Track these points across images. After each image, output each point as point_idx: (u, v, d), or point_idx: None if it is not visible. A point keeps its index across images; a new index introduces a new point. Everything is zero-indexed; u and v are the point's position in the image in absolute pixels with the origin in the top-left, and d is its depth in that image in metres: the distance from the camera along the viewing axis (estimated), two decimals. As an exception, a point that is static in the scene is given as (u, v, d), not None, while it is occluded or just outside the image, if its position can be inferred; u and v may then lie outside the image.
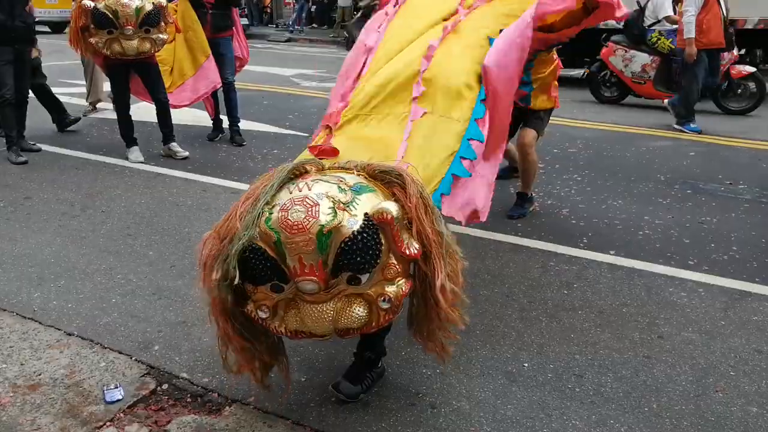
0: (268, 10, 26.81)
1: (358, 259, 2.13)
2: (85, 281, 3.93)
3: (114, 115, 8.71)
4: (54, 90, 7.69)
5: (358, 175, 2.34)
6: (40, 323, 3.44)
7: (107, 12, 5.70)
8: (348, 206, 2.15)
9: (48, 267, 4.10)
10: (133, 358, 3.15)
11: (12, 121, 6.45)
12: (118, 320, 3.50)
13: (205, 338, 3.30)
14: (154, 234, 4.65)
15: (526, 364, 3.15)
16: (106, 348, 3.23)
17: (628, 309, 3.69)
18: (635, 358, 3.22)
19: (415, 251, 2.21)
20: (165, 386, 2.94)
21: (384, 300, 2.23)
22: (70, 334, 3.34)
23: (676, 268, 4.22)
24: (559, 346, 3.31)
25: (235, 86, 7.33)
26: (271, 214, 2.16)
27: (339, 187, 2.20)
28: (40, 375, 2.98)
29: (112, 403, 2.79)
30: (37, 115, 7.37)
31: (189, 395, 2.88)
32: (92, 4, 5.70)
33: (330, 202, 2.13)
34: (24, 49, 6.36)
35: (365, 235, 2.13)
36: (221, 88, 7.10)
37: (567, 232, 4.80)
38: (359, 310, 2.24)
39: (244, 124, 7.54)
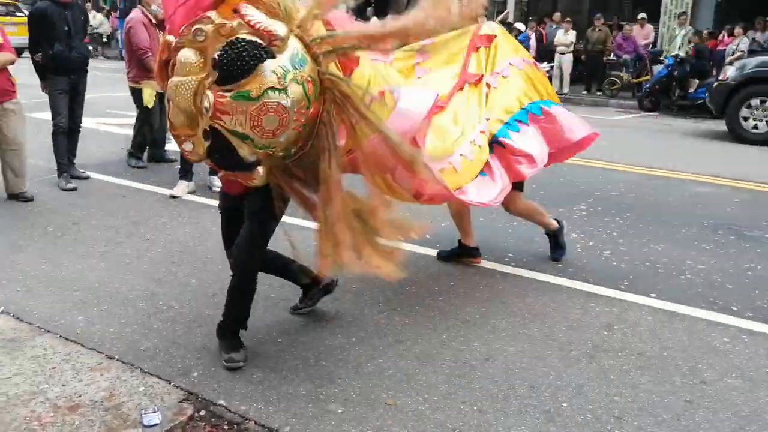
0: None
1: None
2: (128, 306, 4.00)
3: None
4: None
5: None
6: (82, 346, 3.50)
7: None
8: None
9: (92, 291, 4.18)
10: (172, 384, 3.18)
11: (64, 149, 6.63)
12: (159, 346, 3.55)
13: (243, 366, 3.33)
14: (196, 262, 4.71)
15: (564, 404, 3.11)
16: (145, 372, 3.27)
17: (669, 353, 3.63)
18: (676, 402, 3.16)
19: None
20: (202, 412, 2.96)
21: None
22: (111, 358, 3.39)
23: (719, 314, 4.14)
24: (598, 387, 3.27)
25: None
26: None
27: None
28: (80, 396, 3.03)
29: (150, 427, 2.81)
30: (86, 144, 7.57)
31: (226, 422, 2.90)
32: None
33: None
34: (79, 79, 6.57)
35: None
36: None
37: (608, 274, 4.75)
38: None
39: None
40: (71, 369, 3.26)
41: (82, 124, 6.92)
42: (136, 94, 7.28)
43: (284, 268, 3.82)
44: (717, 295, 4.44)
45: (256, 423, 2.90)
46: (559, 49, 16.69)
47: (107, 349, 3.48)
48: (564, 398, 3.16)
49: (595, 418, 3.01)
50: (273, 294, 4.22)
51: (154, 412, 2.89)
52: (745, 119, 10.92)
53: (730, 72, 11.41)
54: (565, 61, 16.74)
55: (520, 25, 16.77)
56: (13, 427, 2.78)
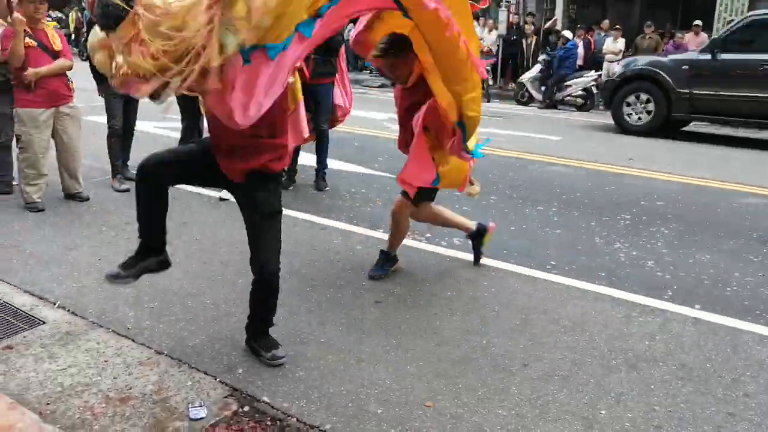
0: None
1: None
2: (177, 304, 4.12)
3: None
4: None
5: None
6: (133, 341, 3.63)
7: None
8: None
9: (143, 289, 4.30)
10: (218, 379, 3.28)
11: (118, 151, 6.82)
12: (206, 343, 3.66)
13: (287, 363, 3.42)
14: (243, 263, 4.76)
15: (603, 412, 3.12)
16: (193, 368, 3.38)
17: (712, 364, 3.61)
18: (717, 414, 3.14)
19: None
20: (246, 408, 3.04)
21: None
22: (160, 353, 3.51)
23: (766, 327, 4.09)
24: (638, 396, 3.27)
25: (329, 133, 7.13)
26: None
27: None
28: (130, 389, 3.14)
29: (196, 420, 2.92)
30: (140, 147, 7.76)
31: (269, 419, 2.98)
32: None
33: None
34: (134, 85, 6.73)
35: None
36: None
37: (651, 284, 4.73)
38: None
39: (334, 164, 7.70)
40: (122, 363, 3.38)
41: (136, 127, 7.10)
42: (186, 99, 7.40)
43: (161, 214, 3.46)
44: (764, 308, 4.38)
45: (298, 420, 2.98)
46: (607, 57, 16.51)
47: (156, 345, 3.60)
48: (603, 406, 3.17)
49: (633, 428, 3.01)
50: (315, 295, 4.30)
51: (201, 406, 2.99)
52: (628, 105, 12.39)
53: (617, 69, 13.11)
54: (613, 69, 16.56)
55: (567, 33, 16.65)
56: (67, 416, 2.91)
